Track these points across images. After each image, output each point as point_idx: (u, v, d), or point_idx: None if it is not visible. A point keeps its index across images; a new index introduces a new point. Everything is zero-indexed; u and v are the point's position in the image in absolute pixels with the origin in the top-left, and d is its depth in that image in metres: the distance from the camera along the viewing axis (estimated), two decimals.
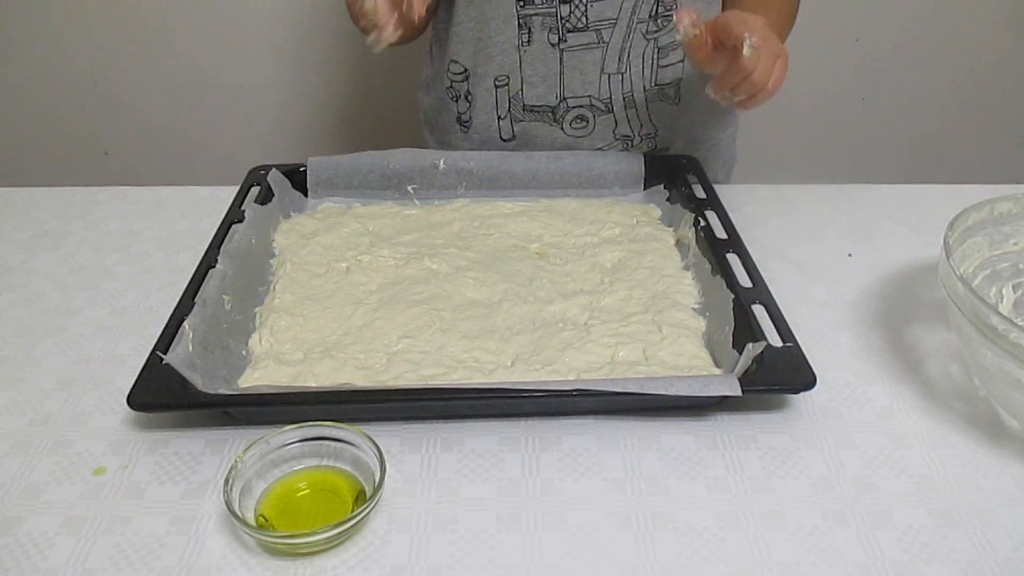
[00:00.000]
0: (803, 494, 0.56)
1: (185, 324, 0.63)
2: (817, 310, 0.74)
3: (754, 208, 0.90)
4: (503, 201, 0.88)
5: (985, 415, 0.62)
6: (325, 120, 1.68)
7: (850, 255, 0.82)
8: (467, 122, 0.97)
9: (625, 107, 0.94)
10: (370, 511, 0.51)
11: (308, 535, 0.49)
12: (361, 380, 0.63)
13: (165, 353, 0.60)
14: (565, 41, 0.89)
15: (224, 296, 0.68)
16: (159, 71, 1.63)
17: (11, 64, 1.62)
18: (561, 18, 0.88)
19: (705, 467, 0.58)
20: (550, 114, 0.93)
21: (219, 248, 0.73)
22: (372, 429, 0.56)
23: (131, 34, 1.59)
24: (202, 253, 0.73)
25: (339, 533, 0.50)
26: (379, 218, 0.85)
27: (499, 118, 0.94)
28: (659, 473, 0.57)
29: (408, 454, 0.58)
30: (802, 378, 0.60)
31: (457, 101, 0.97)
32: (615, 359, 0.65)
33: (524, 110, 0.94)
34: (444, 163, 0.88)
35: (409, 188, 0.89)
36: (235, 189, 0.85)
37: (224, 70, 1.63)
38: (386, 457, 0.53)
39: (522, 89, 0.92)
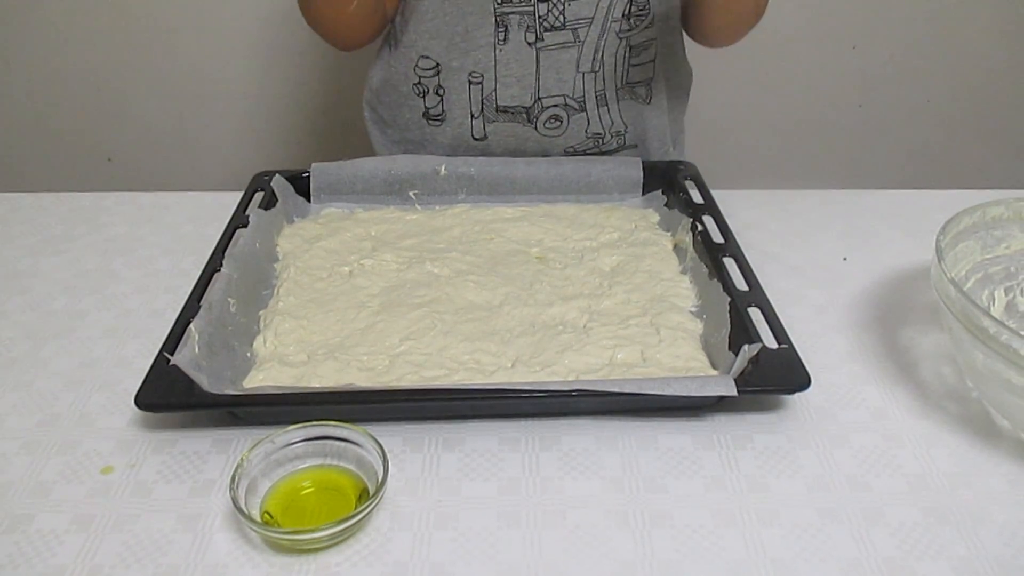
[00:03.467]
0: (798, 493, 0.57)
1: (191, 326, 0.64)
2: (812, 313, 0.75)
3: (751, 213, 0.91)
4: (503, 206, 0.89)
5: (977, 415, 0.63)
6: (328, 126, 1.70)
7: (845, 259, 0.84)
8: (438, 115, 0.97)
9: (597, 105, 0.95)
10: (373, 509, 0.52)
11: (312, 532, 0.50)
12: (364, 381, 0.64)
13: (171, 355, 0.61)
14: (542, 40, 0.91)
15: (229, 299, 0.69)
16: (162, 77, 1.64)
17: (14, 70, 1.63)
18: (539, 17, 0.89)
19: (702, 466, 0.59)
20: (524, 115, 0.95)
21: (224, 252, 0.74)
22: (374, 429, 0.57)
23: (134, 41, 1.61)
24: (207, 257, 0.74)
25: (342, 530, 0.51)
26: (381, 223, 0.86)
27: (472, 116, 0.95)
28: (656, 472, 0.58)
29: (410, 454, 0.59)
30: (797, 379, 0.61)
31: (425, 96, 0.96)
32: (613, 361, 0.66)
33: (497, 111, 0.95)
34: (445, 169, 0.90)
35: (411, 193, 0.90)
36: (239, 195, 0.86)
37: (227, 77, 1.65)
38: (388, 456, 0.54)
39: (496, 90, 0.93)
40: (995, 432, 0.62)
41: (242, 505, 0.51)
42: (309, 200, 0.90)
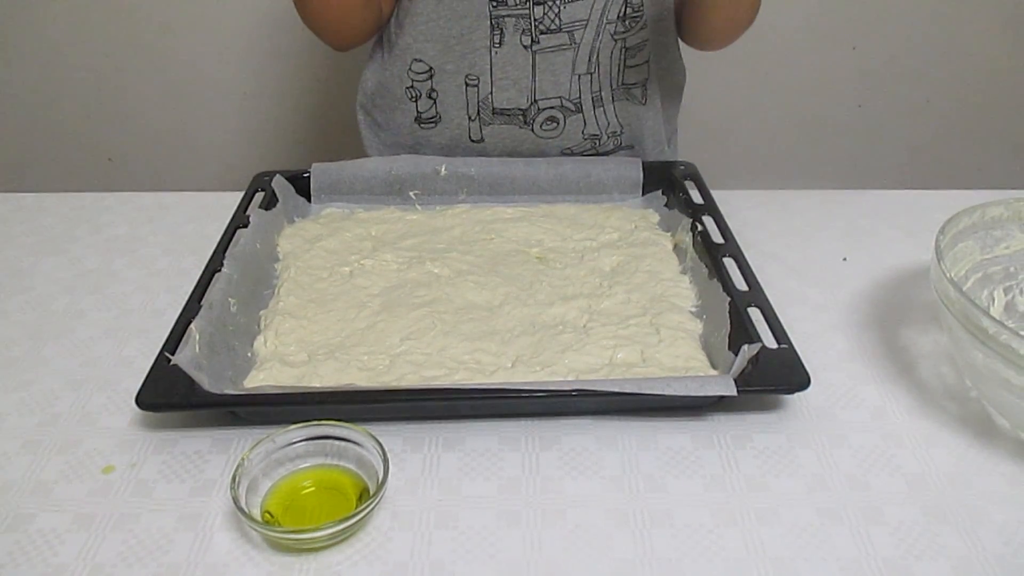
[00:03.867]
0: (797, 492, 0.57)
1: (192, 326, 0.64)
2: (812, 313, 0.75)
3: (751, 213, 0.91)
4: (504, 206, 0.89)
5: (976, 415, 0.63)
6: (328, 127, 1.70)
7: (845, 259, 0.84)
8: (431, 119, 0.96)
9: (594, 106, 0.96)
10: (373, 508, 0.52)
11: (313, 531, 0.50)
12: (364, 381, 0.64)
13: (172, 354, 0.61)
14: (538, 43, 0.90)
15: (230, 299, 0.69)
16: (162, 78, 1.65)
17: (16, 71, 1.63)
18: (535, 20, 0.89)
19: (701, 466, 0.59)
20: (521, 117, 0.94)
21: (224, 252, 0.74)
22: (375, 429, 0.57)
23: (134, 41, 1.61)
24: (207, 257, 0.74)
25: (343, 529, 0.51)
26: (382, 223, 0.86)
27: (469, 119, 0.95)
28: (656, 472, 0.58)
29: (410, 453, 0.59)
30: (796, 379, 0.61)
31: (417, 101, 0.96)
32: (613, 361, 0.66)
33: (493, 114, 0.94)
34: (446, 169, 0.90)
35: (411, 193, 0.90)
36: (239, 195, 0.86)
37: (227, 77, 1.65)
38: (389, 456, 0.54)
39: (492, 92, 0.93)
40: (994, 431, 0.62)
41: (243, 504, 0.51)
42: (309, 200, 0.90)
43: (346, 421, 0.57)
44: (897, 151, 1.79)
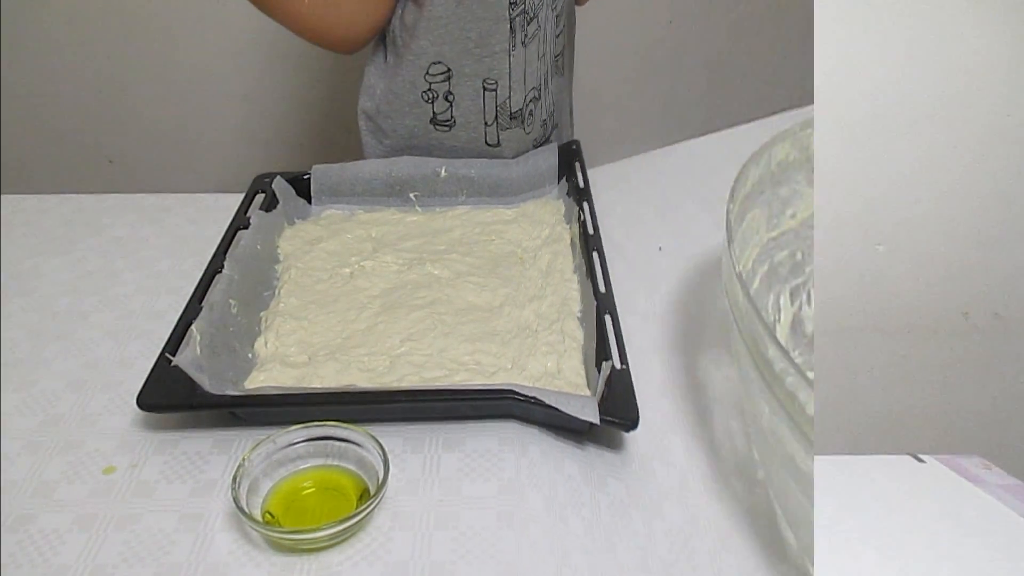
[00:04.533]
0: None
1: (192, 327, 0.64)
2: (640, 323, 0.63)
3: (608, 192, 0.79)
4: (503, 208, 0.89)
5: (764, 512, 0.46)
6: (329, 128, 1.70)
7: (660, 248, 0.69)
8: (446, 121, 0.95)
9: (544, 89, 0.95)
10: (374, 508, 0.53)
11: (313, 531, 0.50)
12: (365, 382, 0.64)
13: (173, 355, 0.61)
14: (526, 35, 0.90)
15: (230, 300, 0.69)
16: (163, 80, 1.65)
17: (17, 73, 1.64)
18: (526, 12, 0.89)
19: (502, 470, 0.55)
20: (519, 118, 0.94)
21: (225, 254, 0.74)
22: (375, 430, 0.57)
23: (136, 43, 1.61)
24: (208, 259, 0.75)
25: (343, 530, 0.51)
26: (382, 224, 0.86)
27: (485, 124, 0.95)
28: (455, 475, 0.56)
29: (411, 454, 0.59)
30: (630, 412, 0.52)
31: (433, 102, 0.94)
32: (547, 370, 0.64)
33: (510, 118, 0.94)
34: (445, 171, 0.90)
35: (411, 195, 0.90)
36: (240, 196, 0.86)
37: (228, 79, 1.65)
38: (389, 456, 0.55)
39: (509, 97, 0.93)
40: (780, 546, 0.46)
41: (243, 505, 0.52)
42: (310, 202, 0.90)
43: (347, 422, 0.57)
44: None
